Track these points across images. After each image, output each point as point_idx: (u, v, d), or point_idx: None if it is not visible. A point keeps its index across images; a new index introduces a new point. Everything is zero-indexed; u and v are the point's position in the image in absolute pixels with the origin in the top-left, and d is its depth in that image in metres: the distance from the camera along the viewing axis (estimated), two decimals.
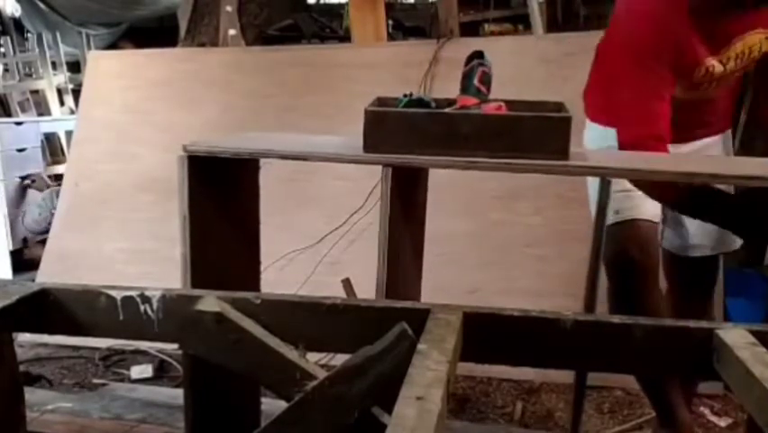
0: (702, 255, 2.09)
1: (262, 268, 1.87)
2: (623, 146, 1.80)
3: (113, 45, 7.36)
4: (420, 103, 1.66)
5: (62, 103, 6.09)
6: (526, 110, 1.64)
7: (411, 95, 1.70)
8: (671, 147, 1.86)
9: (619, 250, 1.88)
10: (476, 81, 1.67)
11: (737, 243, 2.10)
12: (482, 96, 1.66)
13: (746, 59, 1.85)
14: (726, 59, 1.82)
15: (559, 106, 1.67)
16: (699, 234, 2.06)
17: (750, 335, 1.11)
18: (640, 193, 1.88)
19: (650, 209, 1.92)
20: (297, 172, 3.17)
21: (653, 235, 1.94)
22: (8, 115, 5.57)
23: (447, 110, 1.63)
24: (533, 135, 1.53)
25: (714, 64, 1.81)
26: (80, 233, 3.54)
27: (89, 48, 6.63)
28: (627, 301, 1.89)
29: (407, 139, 1.56)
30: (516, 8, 5.05)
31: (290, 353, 1.20)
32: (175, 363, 2.89)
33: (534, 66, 3.13)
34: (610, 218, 1.93)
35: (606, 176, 1.69)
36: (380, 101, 1.74)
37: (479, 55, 1.73)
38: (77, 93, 4.98)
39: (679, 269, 2.15)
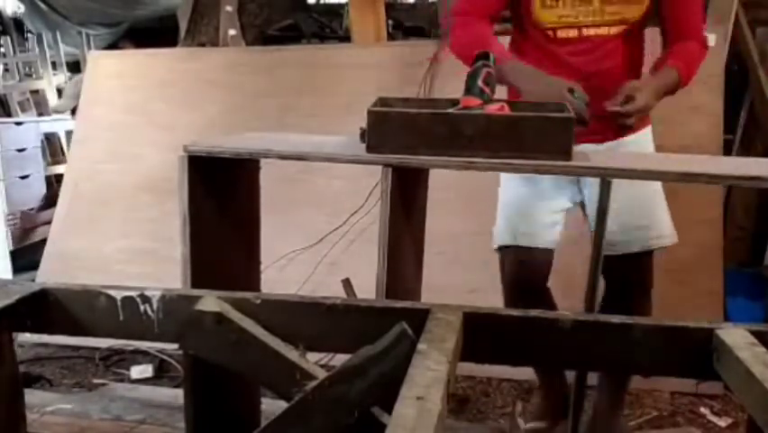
0: (623, 253, 2.00)
1: (262, 268, 1.87)
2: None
3: (113, 45, 7.33)
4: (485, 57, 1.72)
5: None
6: (528, 110, 1.64)
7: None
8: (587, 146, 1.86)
9: (517, 277, 2.08)
10: (480, 82, 1.66)
11: (664, 239, 2.03)
12: (486, 97, 1.66)
13: None
14: None
15: (560, 107, 1.67)
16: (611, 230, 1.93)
17: (750, 335, 1.11)
18: (540, 220, 2.04)
19: (547, 236, 2.05)
20: (297, 172, 3.18)
21: (549, 262, 2.09)
22: (8, 115, 5.56)
23: (450, 111, 1.63)
24: (535, 136, 1.53)
25: None
26: (80, 233, 3.54)
27: (89, 48, 6.62)
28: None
29: (411, 139, 1.56)
30: None
31: (290, 353, 1.20)
32: (175, 363, 2.90)
33: None
34: (508, 239, 2.07)
35: (606, 176, 1.68)
36: (382, 101, 1.74)
37: (484, 56, 1.72)
38: None
39: (604, 268, 2.02)
